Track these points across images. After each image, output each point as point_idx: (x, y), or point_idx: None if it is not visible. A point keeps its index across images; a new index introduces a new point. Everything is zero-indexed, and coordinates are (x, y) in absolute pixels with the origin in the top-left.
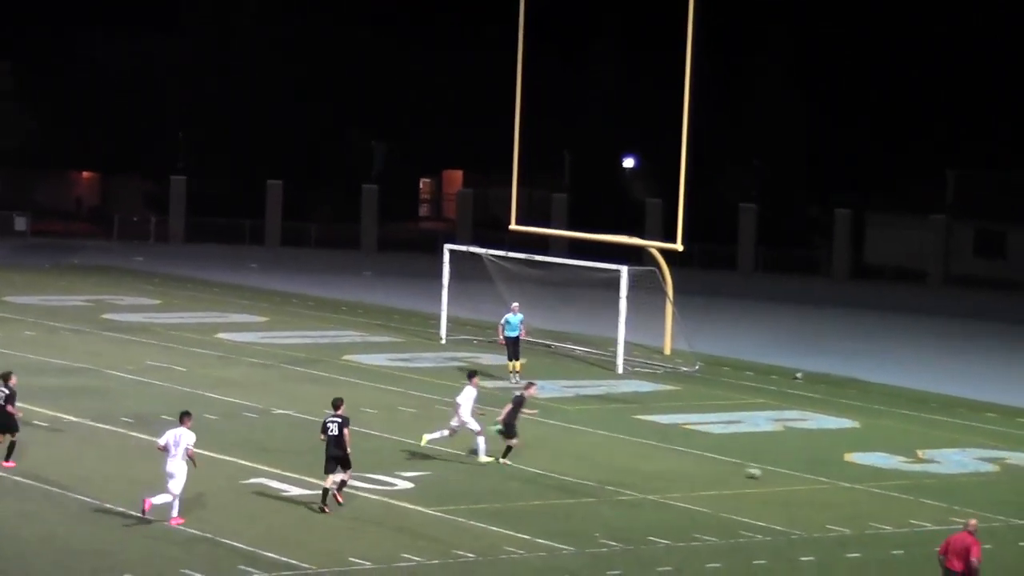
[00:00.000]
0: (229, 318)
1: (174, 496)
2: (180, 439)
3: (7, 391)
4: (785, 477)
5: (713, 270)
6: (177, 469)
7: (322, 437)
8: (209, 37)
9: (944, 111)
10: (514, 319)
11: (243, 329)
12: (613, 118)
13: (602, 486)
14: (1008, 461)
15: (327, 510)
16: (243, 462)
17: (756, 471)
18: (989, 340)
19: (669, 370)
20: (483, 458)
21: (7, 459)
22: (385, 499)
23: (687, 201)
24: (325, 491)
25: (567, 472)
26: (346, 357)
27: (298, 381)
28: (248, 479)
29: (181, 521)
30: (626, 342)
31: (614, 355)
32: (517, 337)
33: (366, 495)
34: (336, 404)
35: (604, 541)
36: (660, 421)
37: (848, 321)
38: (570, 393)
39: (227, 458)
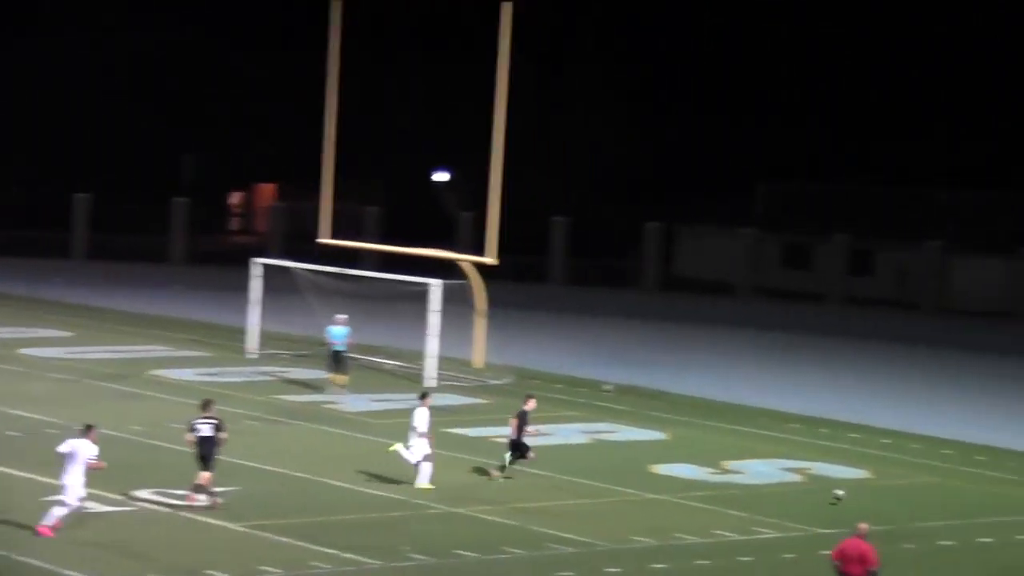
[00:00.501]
0: (32, 333)
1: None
2: (78, 451)
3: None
4: (592, 489)
5: (525, 283)
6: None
7: (190, 438)
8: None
9: (753, 125)
10: (338, 331)
11: (47, 344)
12: (426, 131)
13: (410, 499)
14: (812, 471)
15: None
16: (43, 479)
17: (841, 492)
18: (795, 352)
19: (480, 383)
20: (424, 484)
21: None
22: (191, 515)
23: (500, 214)
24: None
25: (376, 486)
26: (153, 372)
27: (104, 397)
28: (48, 496)
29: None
30: (438, 356)
31: (424, 368)
32: (340, 351)
33: (172, 511)
34: (206, 405)
35: (412, 555)
36: (470, 434)
37: (657, 333)
38: (379, 407)
39: (27, 475)
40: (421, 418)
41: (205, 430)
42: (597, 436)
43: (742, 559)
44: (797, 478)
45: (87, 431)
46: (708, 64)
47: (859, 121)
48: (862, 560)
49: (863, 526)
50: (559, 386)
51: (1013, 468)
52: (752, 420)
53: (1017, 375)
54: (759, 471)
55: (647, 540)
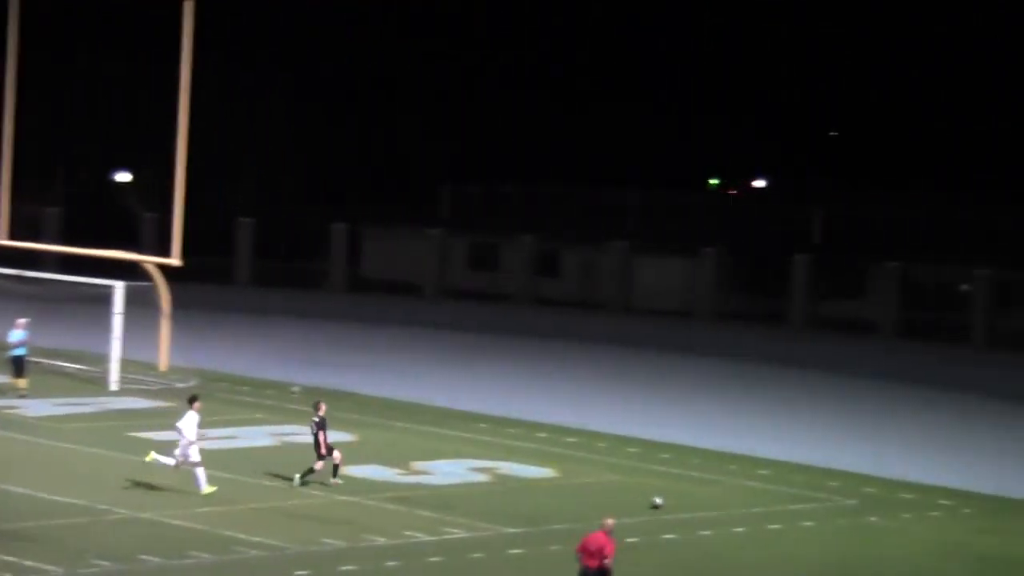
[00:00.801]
0: None
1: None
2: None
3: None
4: (281, 492)
5: (210, 284)
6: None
7: None
8: None
9: (439, 128)
10: (17, 335)
11: None
12: (107, 130)
13: (94, 505)
14: (499, 471)
15: None
16: None
17: (659, 500)
18: (483, 352)
19: (165, 386)
20: (205, 488)
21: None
22: None
23: (184, 215)
24: None
25: (58, 492)
26: None
27: None
28: None
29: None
30: (121, 359)
31: (108, 372)
32: (20, 356)
33: None
34: None
35: (95, 561)
36: (155, 438)
37: (345, 335)
38: (62, 411)
39: None
40: (189, 423)
41: None
42: (285, 438)
43: (432, 560)
44: (485, 478)
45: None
46: (393, 67)
47: (541, 124)
48: (600, 554)
49: (609, 521)
50: (246, 388)
51: (696, 465)
52: (440, 421)
53: (698, 373)
54: (447, 471)
55: (337, 542)
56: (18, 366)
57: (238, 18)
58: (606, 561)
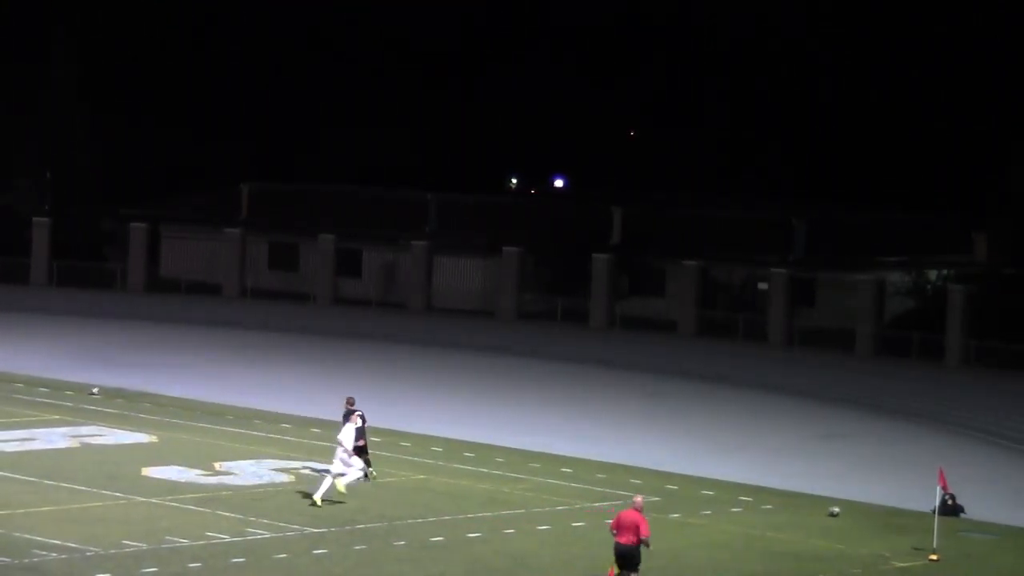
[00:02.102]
0: None
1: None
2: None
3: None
4: (81, 494)
5: (6, 284)
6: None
7: None
8: None
9: (238, 125)
10: None
11: None
12: None
13: None
14: (302, 471)
15: None
16: None
17: (836, 509)
18: (284, 352)
19: None
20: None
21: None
22: None
23: None
24: None
25: None
26: None
27: None
28: None
29: None
30: None
31: None
32: None
33: None
34: None
35: None
36: None
37: (144, 335)
38: None
39: None
40: (347, 434)
41: None
42: (84, 439)
43: (235, 560)
44: (288, 478)
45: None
46: (192, 61)
47: (342, 122)
48: (636, 529)
49: (638, 499)
50: (44, 389)
51: (500, 464)
52: (243, 421)
53: (500, 373)
54: (251, 471)
55: (139, 544)
56: None
57: (39, 9)
58: (645, 537)
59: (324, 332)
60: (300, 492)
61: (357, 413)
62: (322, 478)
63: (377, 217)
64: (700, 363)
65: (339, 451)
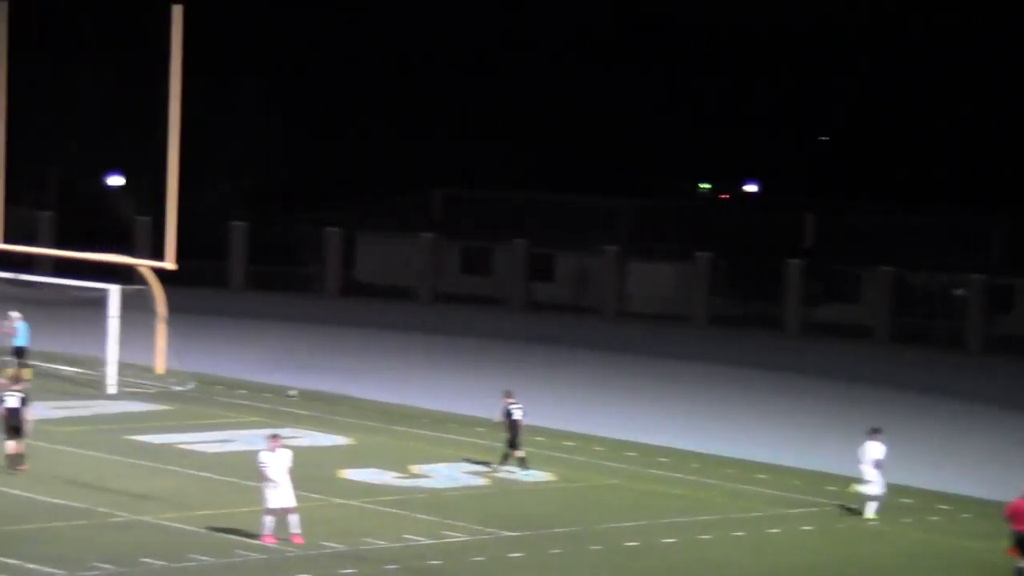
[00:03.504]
0: None
1: None
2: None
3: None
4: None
5: (204, 288)
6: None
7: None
8: None
9: (431, 131)
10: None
11: None
12: (99, 133)
13: (94, 508)
14: (497, 475)
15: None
16: None
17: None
18: (477, 356)
19: (161, 389)
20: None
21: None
22: None
23: (178, 219)
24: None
25: (57, 495)
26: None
27: None
28: None
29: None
30: (118, 362)
31: (104, 375)
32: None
33: None
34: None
35: (96, 564)
36: (153, 441)
37: (340, 339)
38: (59, 414)
39: None
40: (873, 451)
41: (14, 402)
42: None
43: (432, 563)
44: (483, 481)
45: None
46: (389, 69)
47: (534, 129)
48: None
49: None
50: (243, 392)
51: (695, 469)
52: (438, 425)
53: (694, 378)
54: (446, 475)
55: (337, 545)
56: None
57: (229, 21)
58: None
59: (516, 337)
60: (496, 495)
61: (516, 405)
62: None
63: (570, 222)
64: (894, 370)
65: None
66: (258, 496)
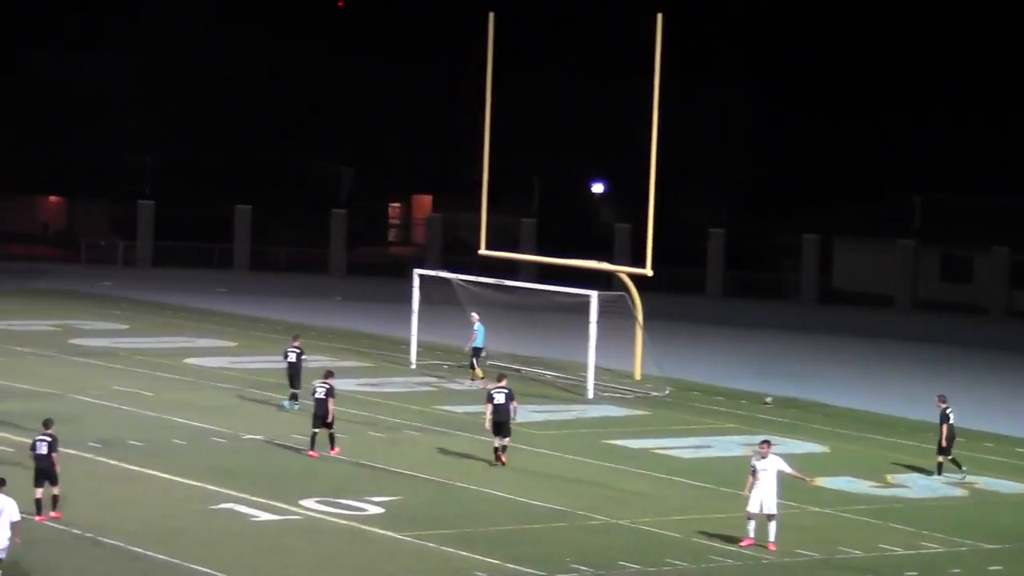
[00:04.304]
0: (197, 343)
1: None
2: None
3: (50, 438)
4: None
5: (682, 294)
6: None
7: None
8: (160, 58)
9: (911, 134)
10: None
11: (211, 354)
12: (581, 143)
13: (572, 511)
14: (976, 485)
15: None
16: (212, 487)
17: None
18: (956, 365)
19: (639, 395)
20: None
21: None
22: (355, 524)
23: (656, 226)
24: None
25: (537, 497)
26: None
27: (266, 406)
28: (217, 504)
29: None
30: (596, 367)
31: (584, 380)
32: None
33: (336, 519)
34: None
35: (575, 566)
36: (630, 446)
37: (816, 346)
38: (540, 418)
39: (196, 483)
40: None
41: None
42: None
43: (909, 574)
44: (961, 492)
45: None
46: (856, 74)
47: (1018, 133)
48: None
49: None
50: (719, 398)
51: None
52: (914, 433)
53: None
54: (923, 485)
55: (812, 553)
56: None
57: (696, 28)
58: None
59: (998, 346)
60: (973, 506)
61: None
62: None
63: None
64: None
65: None
66: (735, 502)
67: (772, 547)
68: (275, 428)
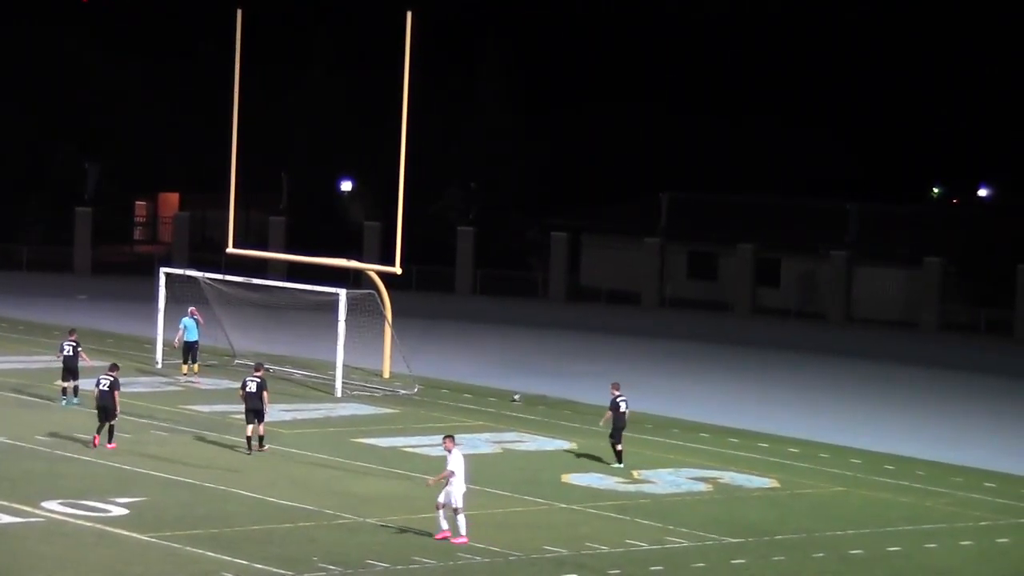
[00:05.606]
0: None
1: None
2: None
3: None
4: (503, 499)
5: (431, 292)
6: None
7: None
8: None
9: (655, 134)
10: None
11: None
12: (330, 140)
13: (320, 510)
14: (720, 481)
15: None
16: None
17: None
18: (702, 361)
19: (388, 393)
20: None
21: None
22: (98, 525)
23: (406, 224)
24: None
25: (285, 497)
26: (59, 382)
27: (8, 406)
28: None
29: None
30: (345, 365)
31: (333, 379)
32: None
33: (79, 521)
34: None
35: (322, 565)
36: (379, 444)
37: (565, 343)
38: (288, 417)
39: None
40: None
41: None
42: (506, 445)
43: (654, 568)
44: (706, 487)
45: None
46: (610, 75)
47: (759, 134)
48: None
49: None
50: (467, 396)
51: (921, 477)
52: (661, 430)
53: (922, 385)
54: (668, 480)
55: (559, 550)
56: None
57: (454, 25)
58: None
59: (743, 342)
60: (718, 501)
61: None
62: None
63: (796, 227)
64: None
65: None
66: (484, 499)
67: (460, 541)
68: (15, 429)
